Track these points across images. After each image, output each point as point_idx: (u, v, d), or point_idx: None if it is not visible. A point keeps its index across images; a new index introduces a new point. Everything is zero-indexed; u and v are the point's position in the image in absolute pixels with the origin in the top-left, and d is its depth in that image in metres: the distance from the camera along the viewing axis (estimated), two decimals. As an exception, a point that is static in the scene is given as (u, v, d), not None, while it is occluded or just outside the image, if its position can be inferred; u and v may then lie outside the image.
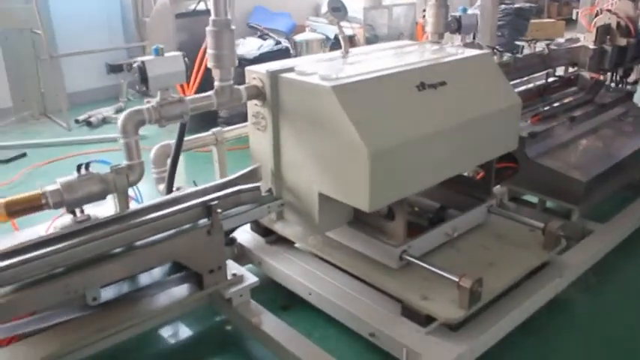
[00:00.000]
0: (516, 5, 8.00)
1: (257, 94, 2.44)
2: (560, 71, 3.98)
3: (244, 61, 4.95)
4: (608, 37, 3.97)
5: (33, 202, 2.02)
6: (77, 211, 2.14)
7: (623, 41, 3.97)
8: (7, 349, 2.00)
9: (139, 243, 2.12)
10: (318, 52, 6.61)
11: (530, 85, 3.72)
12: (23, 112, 6.09)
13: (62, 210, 2.14)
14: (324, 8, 2.71)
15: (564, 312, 2.72)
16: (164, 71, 2.17)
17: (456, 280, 2.17)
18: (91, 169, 2.12)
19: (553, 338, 2.57)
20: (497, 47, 3.49)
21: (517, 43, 3.94)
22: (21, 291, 1.87)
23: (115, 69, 2.39)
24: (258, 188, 2.46)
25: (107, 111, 6.03)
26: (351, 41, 7.36)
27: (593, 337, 2.61)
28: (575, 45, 3.97)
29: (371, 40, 7.47)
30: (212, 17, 2.27)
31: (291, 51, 5.92)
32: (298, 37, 7.01)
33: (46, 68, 6.01)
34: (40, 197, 2.01)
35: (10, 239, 2.21)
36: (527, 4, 8.47)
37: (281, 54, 5.35)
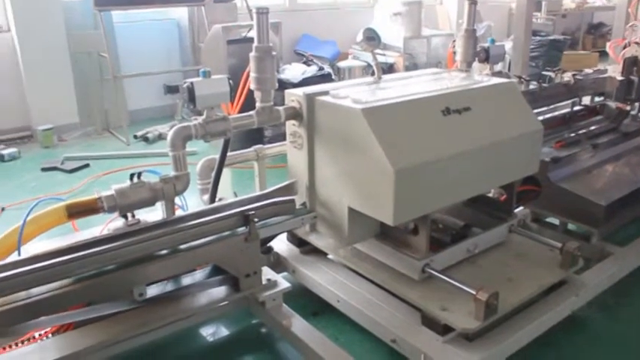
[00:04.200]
0: (551, 37, 7.95)
1: (295, 114, 2.54)
2: (586, 101, 3.97)
3: (289, 85, 5.09)
4: (635, 68, 3.93)
5: (90, 206, 2.16)
6: (129, 215, 2.26)
7: (650, 73, 3.93)
8: (63, 336, 2.12)
9: (182, 246, 2.22)
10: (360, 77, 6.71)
11: (556, 113, 3.72)
12: (88, 127, 6.35)
13: (115, 214, 2.27)
14: (360, 37, 2.79)
15: (582, 330, 2.70)
16: (210, 92, 2.28)
17: (473, 293, 2.20)
18: (142, 178, 2.24)
19: (569, 354, 2.56)
20: (523, 76, 3.51)
21: (544, 73, 3.93)
22: (77, 283, 2.00)
23: (171, 90, 2.49)
24: (292, 201, 2.54)
25: (163, 128, 6.22)
26: (391, 69, 7.48)
27: (608, 356, 2.58)
28: (602, 76, 3.95)
29: (410, 68, 7.53)
30: (255, 44, 2.39)
31: (334, 77, 6.03)
32: (342, 64, 7.14)
33: (109, 88, 6.27)
34: (97, 201, 2.15)
35: (71, 238, 2.36)
36: (562, 37, 8.40)
37: (323, 79, 5.45)
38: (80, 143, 6.05)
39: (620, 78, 3.87)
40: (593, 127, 3.75)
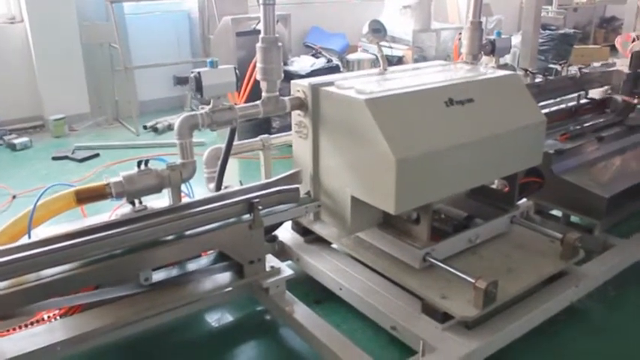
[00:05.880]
0: (561, 31, 7.91)
1: (300, 105, 2.57)
2: (595, 94, 3.97)
3: (297, 77, 5.12)
4: (643, 62, 3.93)
5: (99, 192, 2.21)
6: (136, 201, 2.31)
7: (657, 67, 3.92)
8: (72, 318, 2.17)
9: (188, 232, 2.27)
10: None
11: (562, 106, 3.72)
12: (99, 118, 6.44)
13: (123, 200, 2.32)
14: (366, 29, 2.82)
15: (582, 321, 2.72)
16: (217, 81, 2.31)
17: (473, 281, 2.24)
18: (149, 165, 2.29)
19: (568, 343, 2.58)
20: (529, 69, 3.52)
21: (551, 66, 3.93)
22: (86, 267, 2.05)
23: (181, 81, 2.51)
24: (297, 190, 2.58)
25: (172, 119, 6.24)
26: (400, 62, 7.48)
27: (607, 346, 2.61)
28: (609, 69, 3.95)
29: (419, 61, 7.51)
30: (261, 35, 2.43)
31: (342, 69, 6.05)
32: (350, 57, 7.15)
33: (120, 79, 6.35)
34: (105, 187, 2.20)
35: (80, 224, 2.41)
36: (572, 31, 8.35)
37: (331, 71, 5.49)
38: (90, 133, 6.13)
39: (627, 71, 3.87)
40: (598, 121, 3.76)
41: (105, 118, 6.48)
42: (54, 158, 5.22)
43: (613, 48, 9.73)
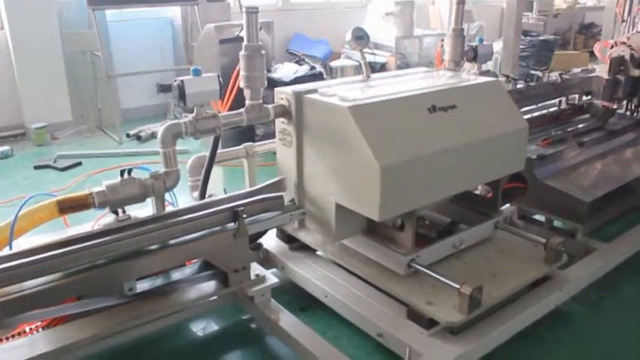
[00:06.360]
0: (541, 37, 8.01)
1: (283, 112, 2.57)
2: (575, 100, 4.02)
3: (280, 84, 5.12)
4: (622, 68, 3.99)
5: (81, 201, 2.18)
6: (119, 211, 2.29)
7: (636, 72, 3.98)
8: (54, 330, 2.14)
9: (172, 241, 2.24)
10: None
11: (544, 112, 3.77)
12: (81, 126, 6.36)
13: (106, 210, 2.30)
14: (349, 36, 2.83)
15: (565, 324, 2.75)
16: (200, 89, 2.30)
17: (458, 287, 2.24)
18: (133, 174, 2.27)
19: (553, 347, 2.60)
20: (511, 75, 3.56)
21: (532, 72, 3.98)
22: (68, 277, 2.02)
23: (164, 88, 2.50)
24: (281, 197, 2.58)
25: (155, 127, 6.21)
26: (383, 68, 7.52)
27: (591, 349, 2.63)
28: (589, 75, 4.01)
29: (402, 67, 7.57)
30: (245, 43, 2.43)
31: (325, 76, 6.06)
32: (334, 63, 7.18)
33: (103, 87, 6.29)
34: (88, 197, 2.18)
35: (62, 234, 2.39)
36: (553, 37, 8.46)
37: (314, 78, 5.49)
38: (73, 141, 6.07)
39: (606, 77, 3.92)
40: (579, 126, 3.80)
41: (87, 126, 6.42)
42: (36, 167, 5.16)
43: (592, 54, 9.88)
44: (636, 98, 4.20)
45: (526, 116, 3.37)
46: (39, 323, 2.16)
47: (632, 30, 5.57)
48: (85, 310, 2.17)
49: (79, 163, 5.23)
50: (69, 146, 5.86)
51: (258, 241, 2.91)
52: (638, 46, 4.02)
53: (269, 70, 5.61)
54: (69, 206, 2.19)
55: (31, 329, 2.16)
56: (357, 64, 7.05)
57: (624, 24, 6.07)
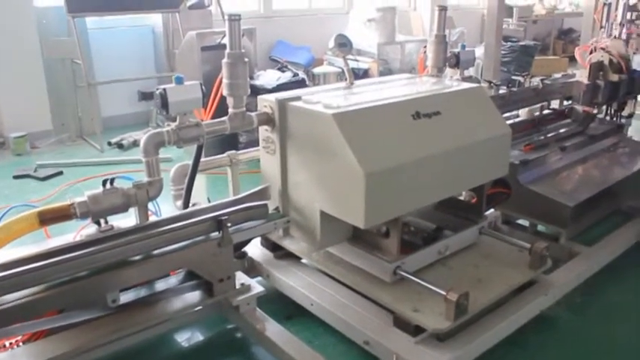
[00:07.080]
0: (522, 43, 8.10)
1: (267, 120, 2.56)
2: (556, 105, 4.06)
3: (263, 91, 5.10)
4: (601, 73, 4.04)
5: (63, 212, 2.15)
6: (102, 221, 2.26)
7: (615, 77, 4.04)
8: (35, 344, 2.10)
9: (156, 252, 2.22)
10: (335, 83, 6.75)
11: (526, 117, 3.79)
12: (61, 135, 6.29)
13: (88, 221, 2.26)
14: (332, 43, 2.83)
15: (550, 328, 2.76)
16: (183, 98, 2.28)
17: (444, 293, 2.24)
18: (115, 184, 2.24)
19: (538, 352, 2.61)
20: (493, 81, 3.59)
21: (514, 77, 4.02)
22: (49, 290, 1.99)
23: (146, 96, 2.47)
24: (265, 206, 2.56)
25: (137, 135, 6.15)
26: (365, 74, 7.54)
27: (576, 353, 2.65)
28: (569, 80, 4.05)
29: (384, 73, 7.61)
30: (227, 50, 2.41)
31: (308, 83, 6.06)
32: (316, 70, 7.17)
33: (83, 95, 6.22)
34: (69, 208, 2.14)
35: (43, 245, 2.34)
36: (533, 42, 8.57)
37: (297, 85, 5.49)
38: (53, 150, 5.99)
39: (586, 82, 3.97)
40: (561, 131, 3.84)
41: (68, 135, 6.34)
42: (15, 177, 5.08)
43: (572, 59, 10.02)
44: (615, 103, 4.27)
45: (508, 122, 3.39)
46: (19, 337, 2.12)
47: (611, 36, 5.65)
48: (67, 324, 2.14)
49: (60, 173, 5.17)
50: (49, 155, 5.79)
51: (242, 250, 2.89)
52: (617, 52, 4.08)
53: (251, 77, 5.59)
54: (50, 217, 2.15)
55: (11, 344, 2.11)
56: (340, 70, 7.04)
57: (602, 29, 6.15)
